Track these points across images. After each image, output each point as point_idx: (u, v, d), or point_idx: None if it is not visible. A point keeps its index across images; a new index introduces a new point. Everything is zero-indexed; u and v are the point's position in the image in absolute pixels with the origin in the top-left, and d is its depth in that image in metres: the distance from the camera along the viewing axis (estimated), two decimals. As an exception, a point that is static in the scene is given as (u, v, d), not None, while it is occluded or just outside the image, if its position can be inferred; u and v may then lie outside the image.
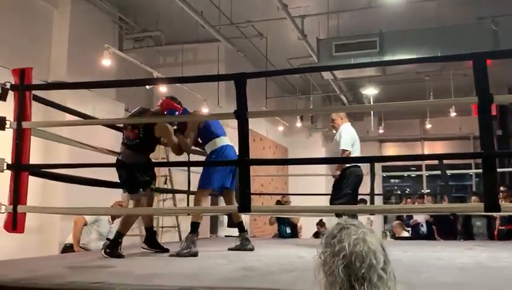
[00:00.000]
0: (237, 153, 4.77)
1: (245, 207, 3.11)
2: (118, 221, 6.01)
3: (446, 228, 8.05)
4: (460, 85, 9.85)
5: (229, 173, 4.89)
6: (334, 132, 5.90)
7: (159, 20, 8.93)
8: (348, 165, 5.52)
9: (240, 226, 5.19)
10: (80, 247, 5.92)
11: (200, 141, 5.07)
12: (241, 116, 3.07)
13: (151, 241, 4.87)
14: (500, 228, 8.59)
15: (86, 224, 6.01)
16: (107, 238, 5.48)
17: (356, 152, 5.62)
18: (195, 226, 4.64)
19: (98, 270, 3.55)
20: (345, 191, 5.45)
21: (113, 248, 4.37)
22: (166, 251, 4.77)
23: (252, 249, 4.97)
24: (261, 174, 10.40)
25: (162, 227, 8.79)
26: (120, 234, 4.46)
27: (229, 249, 4.98)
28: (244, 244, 5.01)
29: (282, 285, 2.87)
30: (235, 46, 9.18)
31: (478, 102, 2.76)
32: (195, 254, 4.44)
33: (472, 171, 11.83)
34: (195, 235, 4.61)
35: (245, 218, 9.78)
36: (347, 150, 5.51)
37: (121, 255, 4.32)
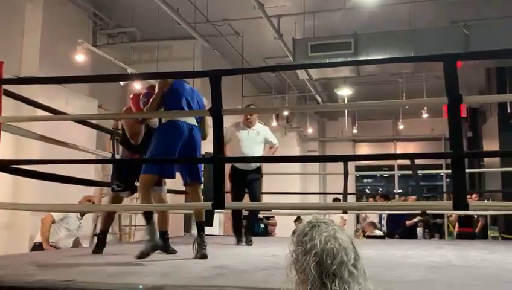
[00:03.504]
0: (190, 134, 4.00)
1: (218, 204, 3.11)
2: (87, 217, 5.93)
3: None
4: (432, 87, 10.01)
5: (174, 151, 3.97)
6: None
7: (134, 16, 8.84)
8: None
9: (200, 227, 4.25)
10: (50, 245, 5.81)
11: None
12: (216, 113, 3.06)
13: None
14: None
15: (53, 222, 5.88)
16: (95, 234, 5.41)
17: None
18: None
19: (69, 268, 3.50)
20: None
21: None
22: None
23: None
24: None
25: (135, 225, 8.70)
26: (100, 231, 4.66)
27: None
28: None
29: (254, 283, 2.87)
30: (211, 44, 9.15)
31: (448, 102, 2.81)
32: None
33: (443, 172, 12.03)
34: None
35: (218, 217, 9.79)
36: None
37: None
